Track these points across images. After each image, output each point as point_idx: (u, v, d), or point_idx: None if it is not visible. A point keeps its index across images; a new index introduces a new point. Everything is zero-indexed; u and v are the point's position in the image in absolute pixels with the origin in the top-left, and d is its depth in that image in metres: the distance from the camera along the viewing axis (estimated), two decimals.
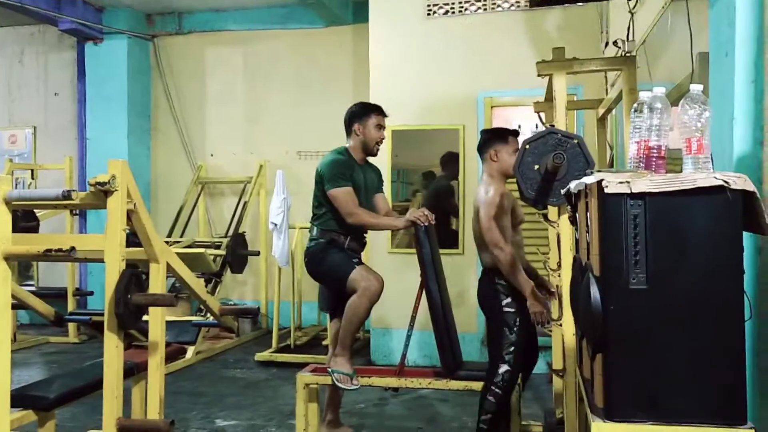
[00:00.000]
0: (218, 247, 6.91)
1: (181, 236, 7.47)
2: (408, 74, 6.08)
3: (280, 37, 7.82)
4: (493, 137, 3.53)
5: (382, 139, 3.91)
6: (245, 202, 7.40)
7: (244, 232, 7.27)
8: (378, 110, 3.90)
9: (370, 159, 4.00)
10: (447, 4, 6.02)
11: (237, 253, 6.95)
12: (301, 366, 4.15)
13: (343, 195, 3.65)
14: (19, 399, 2.86)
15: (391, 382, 3.63)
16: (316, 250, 3.76)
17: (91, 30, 7.65)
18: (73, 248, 2.00)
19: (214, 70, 8.08)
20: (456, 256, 5.86)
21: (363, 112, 3.86)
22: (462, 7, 5.99)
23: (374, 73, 6.17)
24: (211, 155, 8.08)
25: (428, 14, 6.05)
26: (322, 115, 7.63)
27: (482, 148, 3.54)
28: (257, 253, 7.31)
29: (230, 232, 7.22)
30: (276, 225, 6.19)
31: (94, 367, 3.31)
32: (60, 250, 1.97)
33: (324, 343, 6.45)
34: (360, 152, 3.87)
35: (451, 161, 6.01)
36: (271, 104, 7.89)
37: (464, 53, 5.95)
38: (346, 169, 3.73)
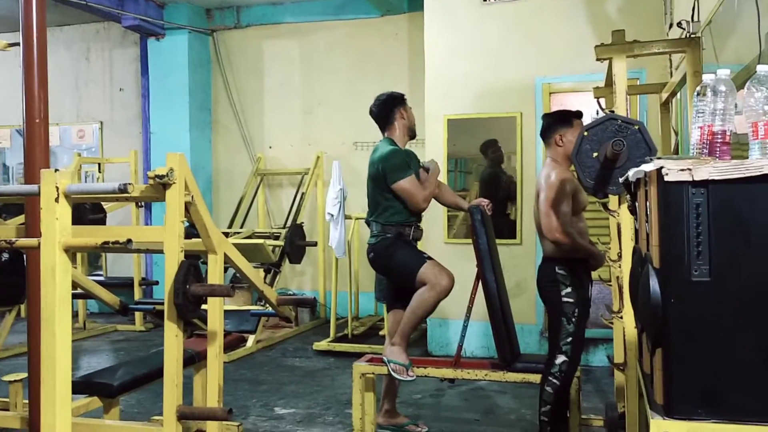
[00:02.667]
0: (277, 238, 7.01)
1: (242, 227, 7.61)
2: (464, 62, 6.01)
3: (336, 28, 7.85)
4: (557, 121, 3.46)
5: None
6: (303, 193, 7.47)
7: (302, 222, 7.35)
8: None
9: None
10: None
11: (295, 243, 7.04)
12: (358, 356, 4.17)
13: (410, 185, 3.69)
14: (86, 386, 2.97)
15: (448, 373, 3.61)
16: (383, 246, 3.75)
17: (153, 26, 7.85)
18: (129, 240, 2.05)
19: (271, 62, 8.17)
20: (514, 246, 5.77)
21: (401, 98, 3.97)
22: None
23: (430, 61, 6.12)
24: (270, 147, 8.18)
25: (484, 0, 5.96)
26: None
27: (546, 133, 3.48)
28: (314, 244, 7.38)
29: (288, 223, 7.32)
30: (333, 216, 6.23)
31: (157, 355, 3.40)
32: (117, 242, 2.01)
33: (381, 333, 6.48)
34: (404, 137, 3.92)
35: (490, 148, 5.94)
36: (327, 95, 7.94)
37: (521, 39, 5.84)
38: (407, 158, 3.76)
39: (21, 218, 5.15)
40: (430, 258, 3.69)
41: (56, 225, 2.02)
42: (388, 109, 3.91)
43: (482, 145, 5.97)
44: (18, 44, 3.44)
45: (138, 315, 7.30)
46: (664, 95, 4.10)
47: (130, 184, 2.05)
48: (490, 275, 3.54)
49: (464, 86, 5.98)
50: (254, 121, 8.25)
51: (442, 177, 5.95)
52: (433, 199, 3.95)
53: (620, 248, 3.07)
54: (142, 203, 7.73)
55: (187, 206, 2.48)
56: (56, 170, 2.06)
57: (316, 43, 7.97)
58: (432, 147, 6.04)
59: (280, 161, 8.11)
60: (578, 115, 3.47)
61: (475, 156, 6.12)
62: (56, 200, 2.03)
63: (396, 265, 3.72)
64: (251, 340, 6.20)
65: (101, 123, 8.66)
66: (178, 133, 7.97)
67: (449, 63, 6.05)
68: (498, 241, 3.83)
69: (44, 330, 2.05)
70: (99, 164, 8.17)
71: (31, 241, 2.16)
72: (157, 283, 7.83)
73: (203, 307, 2.74)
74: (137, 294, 7.38)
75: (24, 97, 2.93)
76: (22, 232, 3.07)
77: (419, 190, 3.70)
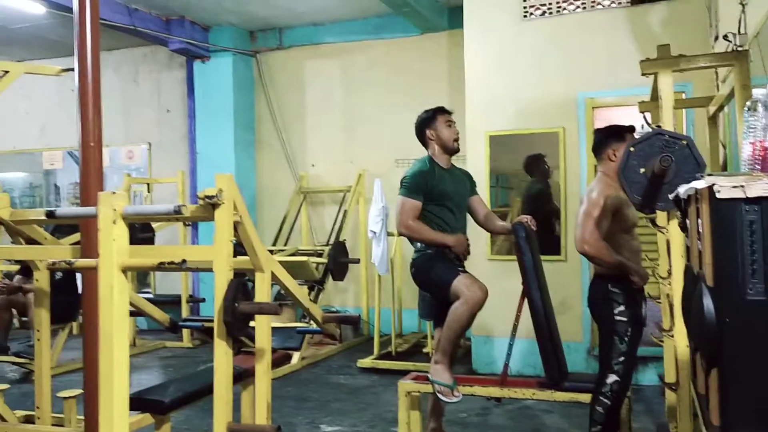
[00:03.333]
0: (320, 255, 7.06)
1: (285, 245, 7.69)
2: (504, 78, 6.00)
3: (376, 47, 7.92)
4: (610, 136, 3.41)
5: (458, 134, 3.90)
6: (345, 211, 7.52)
7: (345, 240, 7.40)
8: (441, 110, 3.93)
9: (459, 163, 4.02)
10: (544, 5, 5.91)
11: (338, 261, 7.08)
12: (402, 373, 4.17)
13: (408, 206, 3.66)
14: (138, 403, 3.03)
15: (494, 392, 3.58)
16: (423, 261, 3.74)
17: (199, 49, 8.04)
18: (184, 261, 2.10)
19: (313, 81, 8.29)
20: (558, 263, 5.71)
21: (429, 117, 3.90)
22: (560, 6, 5.86)
23: (470, 77, 6.14)
24: (312, 165, 8.27)
25: (524, 16, 5.96)
26: None
27: (598, 148, 3.44)
28: (357, 261, 7.41)
29: (331, 241, 7.37)
30: (375, 233, 6.26)
31: (207, 372, 3.46)
32: (172, 262, 2.07)
33: (425, 350, 6.46)
34: (443, 155, 3.86)
35: (535, 163, 5.90)
36: (368, 113, 8.00)
37: (563, 54, 5.81)
38: (427, 181, 3.71)
39: (72, 238, 5.31)
40: (465, 271, 3.67)
41: (114, 246, 2.09)
42: (419, 132, 3.94)
43: (527, 160, 5.94)
44: (71, 70, 3.57)
45: (186, 332, 7.41)
46: (712, 109, 4.04)
47: (184, 206, 2.10)
48: (536, 292, 3.51)
49: (505, 102, 5.97)
50: (296, 139, 8.36)
51: (484, 194, 5.94)
52: (479, 225, 3.99)
53: (670, 265, 3.02)
54: (190, 222, 7.88)
55: (236, 226, 2.53)
56: (113, 193, 2.12)
57: (356, 62, 8.05)
58: (473, 163, 6.04)
59: (323, 179, 8.20)
60: (631, 129, 3.42)
61: (516, 172, 6.09)
62: (114, 222, 2.10)
63: (432, 279, 3.72)
64: (296, 357, 6.25)
65: (149, 144, 8.88)
66: (224, 153, 8.13)
67: (490, 79, 6.06)
68: (542, 257, 3.80)
69: (103, 348, 2.11)
70: (147, 184, 8.37)
71: (90, 262, 2.23)
72: (204, 300, 7.96)
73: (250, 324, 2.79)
74: (185, 311, 7.51)
75: (79, 122, 3.04)
76: (77, 252, 3.17)
77: (408, 216, 3.65)
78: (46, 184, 10.05)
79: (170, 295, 7.94)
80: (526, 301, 3.55)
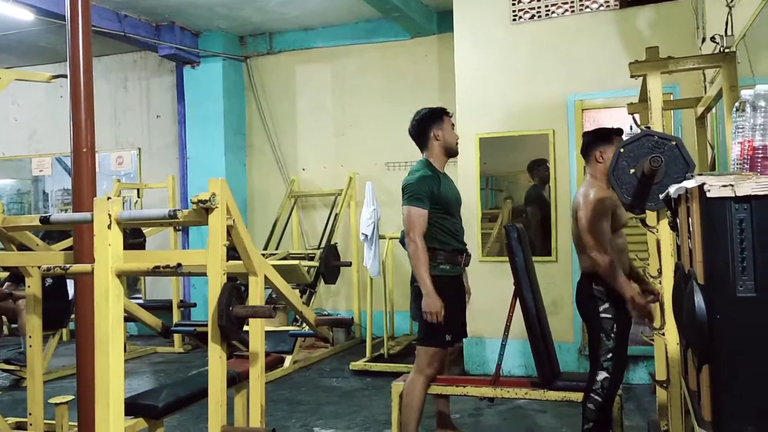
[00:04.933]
0: (312, 259, 7.06)
1: (277, 248, 7.68)
2: (494, 81, 6.04)
3: (367, 51, 7.94)
4: (597, 138, 3.47)
5: (458, 138, 3.84)
6: (336, 214, 7.53)
7: (336, 243, 7.40)
8: (447, 112, 3.83)
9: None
10: (533, 9, 5.95)
11: (330, 264, 7.09)
12: (395, 375, 4.18)
13: (416, 216, 3.51)
14: (132, 407, 3.03)
15: (487, 392, 3.61)
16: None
17: (189, 54, 8.03)
18: (179, 264, 2.10)
19: (303, 86, 8.30)
20: (549, 264, 5.75)
21: (437, 116, 3.77)
22: (549, 10, 5.90)
23: (460, 81, 6.17)
24: (303, 169, 8.28)
25: (514, 20, 6.00)
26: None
27: (586, 150, 3.49)
28: (349, 264, 7.42)
29: (323, 244, 7.37)
30: (367, 236, 6.27)
31: (199, 377, 3.46)
32: (167, 266, 2.07)
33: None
34: (442, 158, 3.76)
35: (538, 167, 5.93)
36: (359, 117, 8.02)
37: (552, 57, 5.86)
38: (432, 188, 3.59)
39: (62, 244, 5.29)
40: (446, 344, 3.60)
41: (109, 251, 2.09)
42: (422, 129, 3.79)
43: (530, 164, 5.96)
44: (63, 76, 3.57)
45: (177, 337, 7.39)
46: (700, 110, 4.08)
47: (178, 210, 2.11)
48: (528, 293, 3.54)
49: (495, 105, 6.01)
50: (287, 144, 8.36)
51: (475, 196, 5.97)
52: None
53: (660, 264, 3.05)
54: (181, 227, 7.85)
55: (229, 230, 2.53)
56: (108, 198, 2.13)
57: (347, 66, 8.07)
58: (464, 166, 6.07)
59: (314, 183, 8.20)
60: (618, 132, 3.48)
61: (506, 174, 6.13)
62: (109, 227, 2.10)
63: (423, 315, 3.57)
64: (288, 360, 6.24)
65: (139, 149, 8.85)
66: (214, 158, 8.11)
67: (480, 82, 6.09)
68: (534, 258, 3.82)
69: (98, 353, 2.10)
70: (138, 189, 8.34)
71: (85, 267, 2.23)
72: (195, 305, 7.92)
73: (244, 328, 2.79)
74: (176, 316, 7.48)
75: (71, 128, 3.03)
76: (69, 257, 3.16)
77: (416, 228, 3.49)
78: (35, 191, 9.98)
79: (161, 300, 7.91)
80: (518, 301, 3.57)
